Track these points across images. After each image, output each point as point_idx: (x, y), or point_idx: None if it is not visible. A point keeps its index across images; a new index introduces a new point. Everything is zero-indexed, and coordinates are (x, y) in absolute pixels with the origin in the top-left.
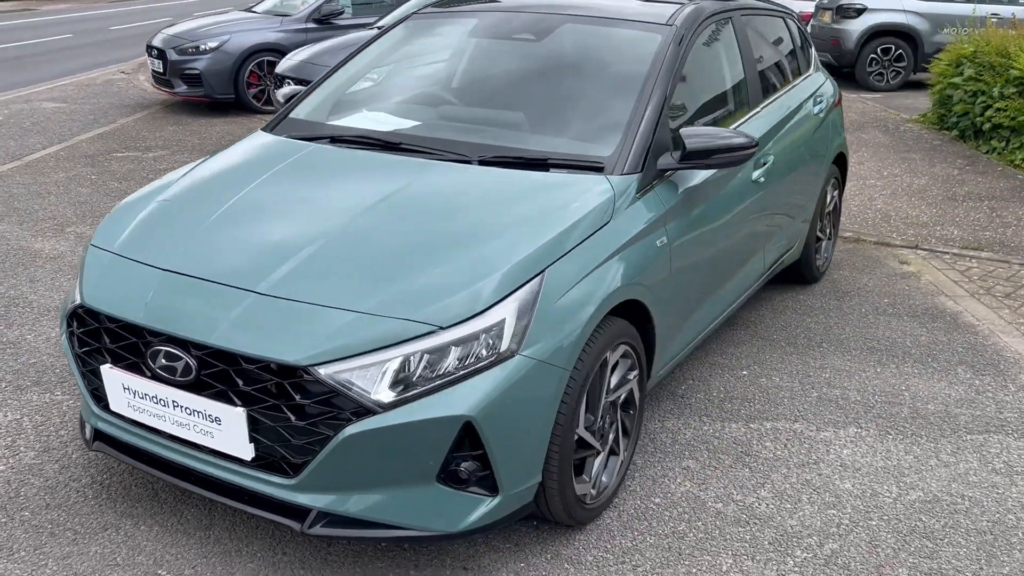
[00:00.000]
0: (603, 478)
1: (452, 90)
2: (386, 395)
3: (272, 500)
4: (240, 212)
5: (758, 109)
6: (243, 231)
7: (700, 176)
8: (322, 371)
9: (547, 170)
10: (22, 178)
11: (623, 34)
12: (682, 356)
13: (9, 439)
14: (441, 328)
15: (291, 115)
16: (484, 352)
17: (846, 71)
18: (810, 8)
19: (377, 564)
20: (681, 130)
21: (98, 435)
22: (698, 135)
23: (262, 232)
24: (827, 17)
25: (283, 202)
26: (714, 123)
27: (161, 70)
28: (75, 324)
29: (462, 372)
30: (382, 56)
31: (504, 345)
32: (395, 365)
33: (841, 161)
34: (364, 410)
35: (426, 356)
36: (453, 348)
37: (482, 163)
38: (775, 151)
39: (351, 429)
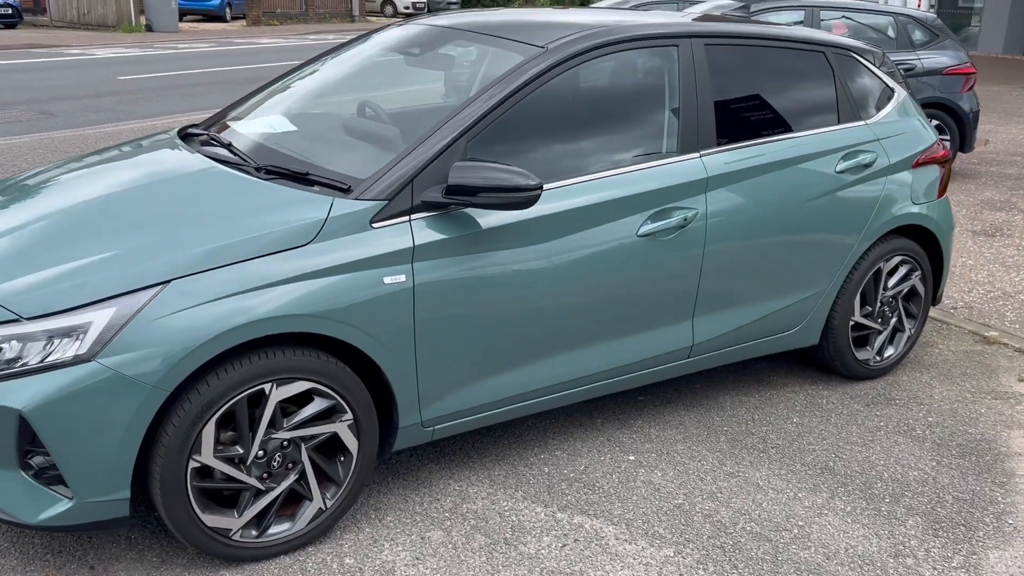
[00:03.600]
0: (288, 524)
1: (328, 99)
2: None
3: None
4: (29, 196)
5: (693, 154)
6: (12, 215)
7: (516, 217)
8: None
9: (311, 185)
10: None
11: (494, 54)
12: (501, 414)
13: None
14: (23, 318)
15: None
16: (63, 351)
17: None
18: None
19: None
20: (456, 163)
21: None
22: (467, 169)
23: (18, 215)
24: None
25: (60, 190)
26: (597, 162)
27: None
28: None
29: (33, 366)
30: (333, 63)
31: (84, 348)
32: None
33: (920, 236)
34: None
35: (4, 342)
36: (33, 339)
37: (258, 169)
38: (716, 205)
39: None
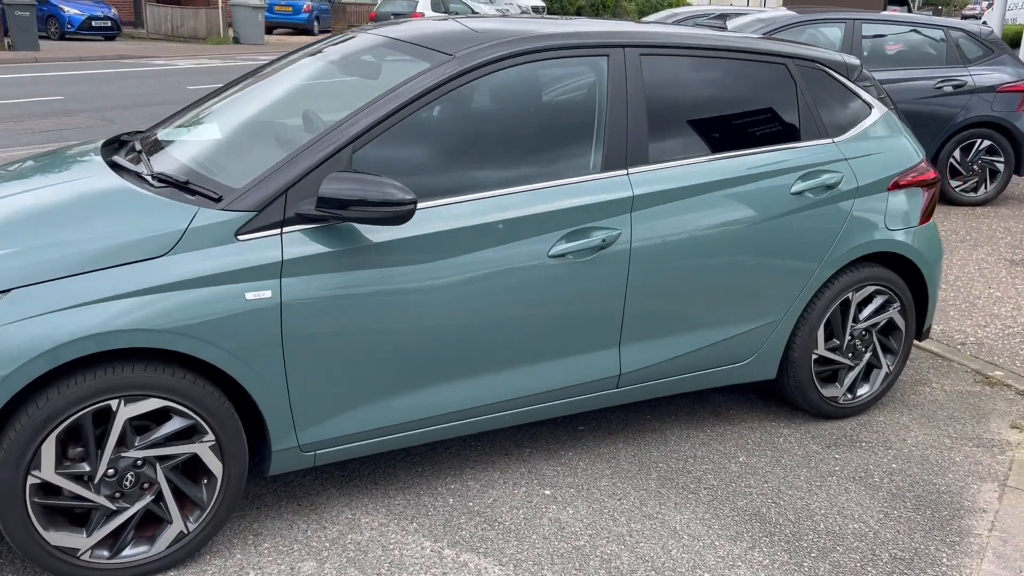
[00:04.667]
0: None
1: (274, 108)
2: None
3: None
4: None
5: (619, 172)
6: None
7: (411, 232)
8: None
9: (193, 195)
10: None
11: (407, 63)
12: (396, 441)
13: None
14: None
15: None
16: None
17: None
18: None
19: None
20: (331, 174)
21: None
22: (340, 180)
23: None
24: None
25: None
26: (508, 177)
27: None
28: None
29: None
30: (287, 71)
31: None
32: None
33: (900, 265)
34: None
35: None
36: None
37: (152, 178)
38: (643, 226)
39: None
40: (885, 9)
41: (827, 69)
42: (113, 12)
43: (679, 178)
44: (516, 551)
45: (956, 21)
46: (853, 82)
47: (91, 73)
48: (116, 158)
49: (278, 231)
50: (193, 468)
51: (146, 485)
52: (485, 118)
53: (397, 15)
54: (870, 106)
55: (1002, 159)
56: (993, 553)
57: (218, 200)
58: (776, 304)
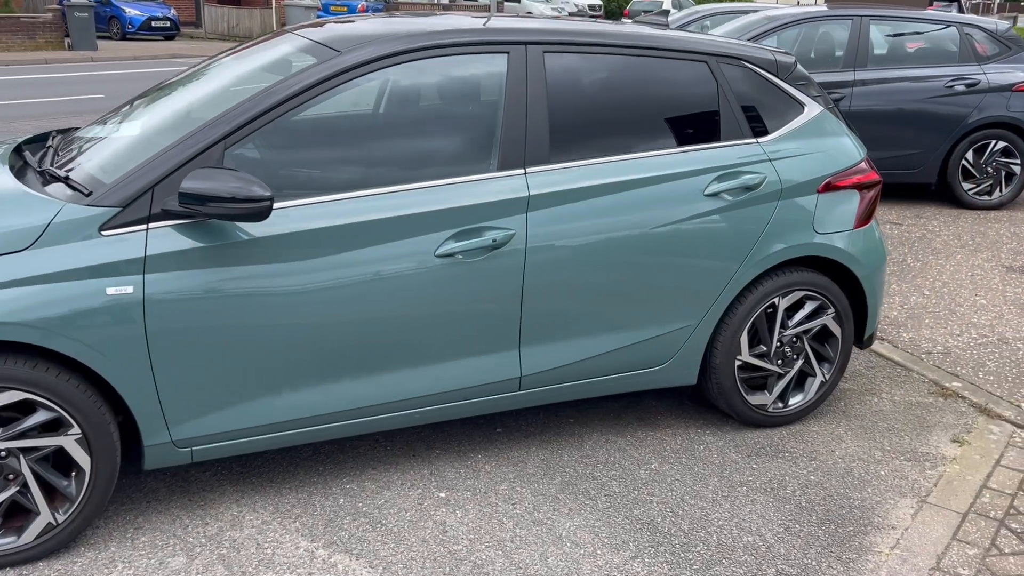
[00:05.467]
0: None
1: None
2: None
3: None
4: None
5: (515, 171)
6: None
7: (290, 228)
8: None
9: (72, 191)
10: None
11: (302, 60)
12: (282, 439)
13: None
14: None
15: None
16: None
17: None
18: None
19: None
20: (195, 170)
21: None
22: (201, 176)
23: None
24: None
25: None
26: (397, 174)
27: None
28: None
29: None
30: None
31: None
32: None
33: (835, 270)
34: None
35: None
36: None
37: (42, 173)
38: (541, 227)
39: None
40: (930, 6)
41: (753, 67)
42: (172, 13)
43: (580, 178)
44: (390, 554)
45: (972, 17)
46: (784, 80)
47: (140, 72)
48: (26, 154)
49: (144, 227)
50: (64, 461)
51: (11, 476)
52: (375, 115)
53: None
54: (802, 105)
55: (1018, 161)
56: (888, 572)
57: (88, 195)
58: (691, 308)
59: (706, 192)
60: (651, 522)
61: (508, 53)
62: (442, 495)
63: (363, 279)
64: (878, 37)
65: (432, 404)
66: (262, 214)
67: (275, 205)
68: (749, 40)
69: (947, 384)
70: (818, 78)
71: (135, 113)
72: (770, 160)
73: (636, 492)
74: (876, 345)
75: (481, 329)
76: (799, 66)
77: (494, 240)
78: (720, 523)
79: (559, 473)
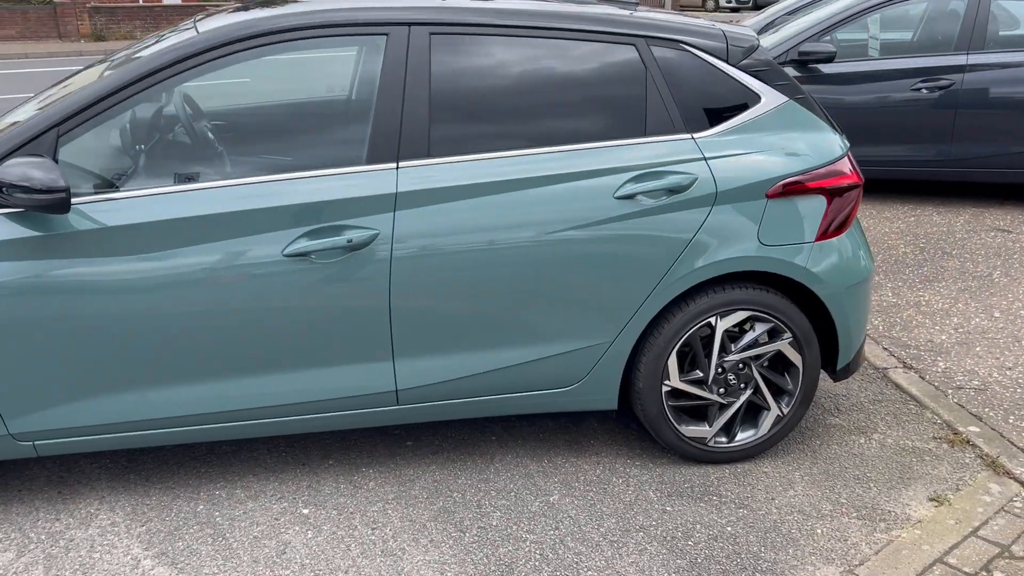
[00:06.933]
0: None
1: None
2: None
3: None
4: None
5: (386, 165)
6: None
7: (114, 221)
8: None
9: None
10: None
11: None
12: (135, 439)
13: None
14: None
15: None
16: None
17: None
18: None
19: None
20: (13, 159)
21: None
22: (13, 165)
23: None
24: None
25: None
26: (249, 166)
27: None
28: None
29: None
30: None
31: None
32: None
33: (795, 288)
34: None
35: None
36: None
37: None
38: (412, 227)
39: None
40: None
41: (695, 50)
42: None
43: (462, 175)
44: (214, 571)
45: None
46: (735, 66)
47: None
48: None
49: None
50: None
51: None
52: (236, 104)
53: None
54: (758, 95)
55: None
56: None
57: None
58: (601, 324)
59: (617, 194)
60: (510, 565)
61: (387, 35)
62: (305, 512)
63: (203, 277)
64: (1003, 13)
65: (304, 413)
66: (58, 206)
67: (112, 195)
68: (841, 22)
69: (961, 428)
70: (920, 63)
71: (42, 100)
72: (705, 158)
73: (515, 527)
74: (899, 374)
75: (347, 337)
76: (759, 50)
77: (350, 241)
78: (590, 573)
79: (444, 498)
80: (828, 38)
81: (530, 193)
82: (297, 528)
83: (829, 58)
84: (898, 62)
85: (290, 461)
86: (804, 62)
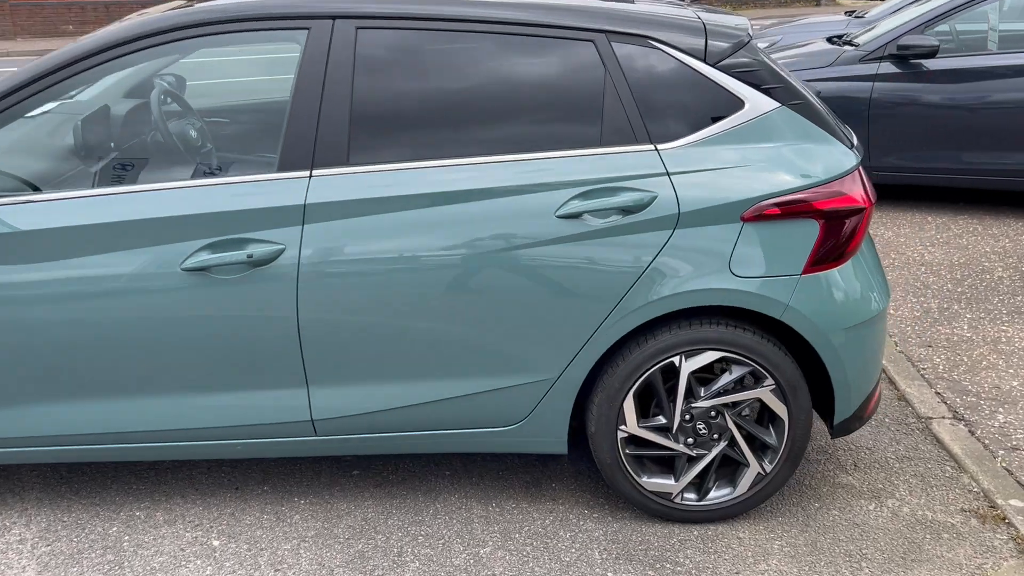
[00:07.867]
0: None
1: None
2: None
3: None
4: None
5: (298, 172)
6: None
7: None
8: None
9: None
10: None
11: None
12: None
13: None
14: None
15: None
16: None
17: None
18: None
19: None
20: None
21: None
22: None
23: None
24: None
25: None
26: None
27: None
28: None
29: None
30: None
31: None
32: None
33: (778, 328)
34: None
35: None
36: None
37: None
38: (323, 243)
39: None
40: None
41: (665, 47)
42: None
43: (382, 186)
44: None
45: None
46: (713, 66)
47: None
48: None
49: None
50: None
51: None
52: (144, 106)
53: None
54: (740, 100)
55: None
56: None
57: None
58: (541, 359)
59: (559, 212)
60: None
61: (309, 29)
62: (215, 543)
63: (97, 289)
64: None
65: (217, 438)
66: None
67: (5, 200)
68: (950, 12)
69: (1001, 500)
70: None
71: None
72: (668, 173)
73: None
74: (944, 426)
75: (254, 362)
76: (748, 47)
77: (250, 256)
78: None
79: (366, 540)
80: (936, 29)
81: (459, 208)
82: (200, 562)
83: (932, 52)
84: (1019, 57)
85: (224, 484)
86: (904, 57)
